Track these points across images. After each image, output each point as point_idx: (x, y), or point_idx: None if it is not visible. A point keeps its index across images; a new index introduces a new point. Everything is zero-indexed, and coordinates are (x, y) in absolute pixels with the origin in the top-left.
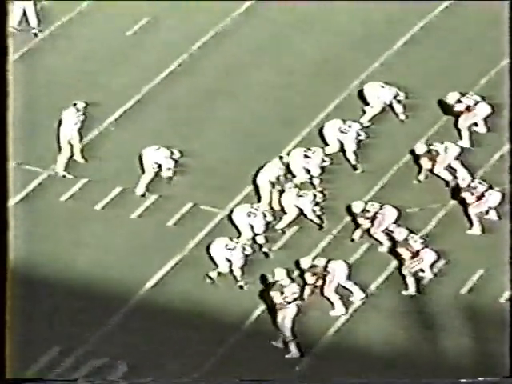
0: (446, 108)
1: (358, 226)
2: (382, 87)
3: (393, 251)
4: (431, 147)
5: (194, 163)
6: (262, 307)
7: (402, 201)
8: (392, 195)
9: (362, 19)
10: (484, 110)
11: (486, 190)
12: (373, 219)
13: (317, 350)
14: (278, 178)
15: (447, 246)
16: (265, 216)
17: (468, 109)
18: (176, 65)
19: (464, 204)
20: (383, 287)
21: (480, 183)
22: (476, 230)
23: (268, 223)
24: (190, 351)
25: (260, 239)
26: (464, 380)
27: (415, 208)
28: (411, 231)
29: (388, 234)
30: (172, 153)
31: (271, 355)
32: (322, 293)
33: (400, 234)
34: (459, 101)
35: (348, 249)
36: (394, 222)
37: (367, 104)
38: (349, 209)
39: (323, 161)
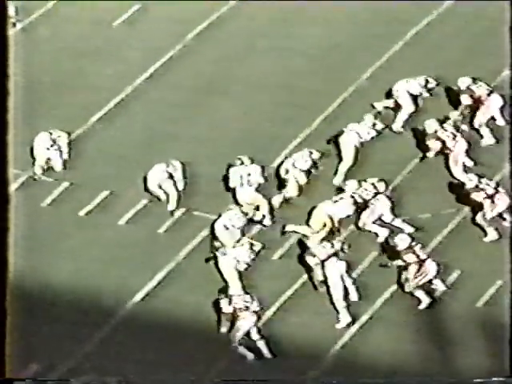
0: (454, 98)
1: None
2: (408, 82)
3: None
4: (441, 132)
5: (186, 166)
6: (261, 322)
7: (413, 206)
8: (402, 200)
9: (367, 13)
10: (497, 101)
11: (496, 192)
12: (364, 208)
13: (324, 364)
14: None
15: (462, 255)
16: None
17: (479, 100)
18: (168, 58)
19: (479, 207)
20: (393, 300)
21: (488, 184)
22: (492, 235)
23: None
24: (182, 369)
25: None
26: (466, 380)
27: (427, 214)
28: (413, 238)
29: (388, 243)
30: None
31: (274, 369)
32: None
33: (402, 241)
34: (469, 89)
35: (355, 258)
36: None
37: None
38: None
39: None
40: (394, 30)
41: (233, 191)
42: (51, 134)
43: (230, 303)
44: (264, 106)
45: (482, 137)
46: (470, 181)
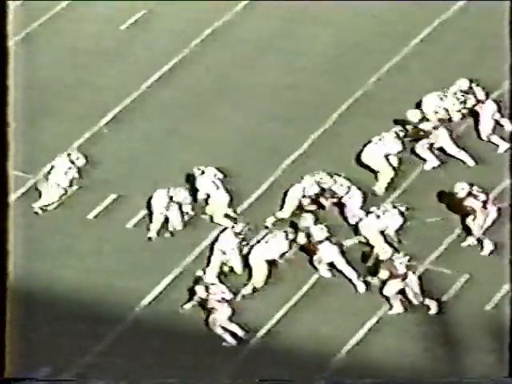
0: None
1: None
2: (442, 99)
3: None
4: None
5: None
6: (270, 324)
7: (423, 209)
8: (412, 203)
9: (375, 16)
10: (491, 107)
11: (487, 200)
12: (339, 204)
13: (332, 367)
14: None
15: (470, 258)
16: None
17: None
18: (175, 61)
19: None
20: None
21: (479, 191)
22: (487, 248)
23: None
24: (190, 373)
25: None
26: (465, 379)
27: (436, 217)
28: (396, 249)
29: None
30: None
31: (282, 371)
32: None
33: (385, 252)
34: (471, 88)
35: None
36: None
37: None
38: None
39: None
40: (405, 29)
41: (205, 201)
42: (69, 155)
43: (206, 290)
44: (275, 107)
45: (497, 146)
46: (462, 189)
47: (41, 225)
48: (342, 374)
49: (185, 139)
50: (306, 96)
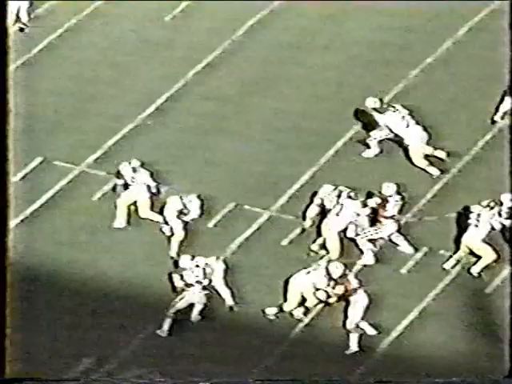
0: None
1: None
2: None
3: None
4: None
5: (235, 160)
6: (310, 316)
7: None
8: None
9: (415, 11)
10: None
11: None
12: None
13: (371, 362)
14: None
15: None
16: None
17: None
18: (218, 53)
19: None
20: (443, 295)
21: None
22: None
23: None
24: (234, 363)
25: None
26: (463, 380)
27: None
28: (346, 266)
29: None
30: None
31: (326, 362)
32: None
33: (337, 269)
34: None
35: (402, 255)
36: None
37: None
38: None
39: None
40: (443, 27)
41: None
42: (182, 198)
43: (181, 278)
44: (316, 100)
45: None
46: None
47: (85, 216)
48: (382, 369)
49: (227, 131)
50: (346, 91)
